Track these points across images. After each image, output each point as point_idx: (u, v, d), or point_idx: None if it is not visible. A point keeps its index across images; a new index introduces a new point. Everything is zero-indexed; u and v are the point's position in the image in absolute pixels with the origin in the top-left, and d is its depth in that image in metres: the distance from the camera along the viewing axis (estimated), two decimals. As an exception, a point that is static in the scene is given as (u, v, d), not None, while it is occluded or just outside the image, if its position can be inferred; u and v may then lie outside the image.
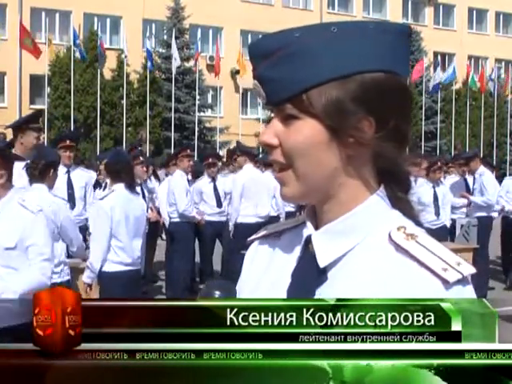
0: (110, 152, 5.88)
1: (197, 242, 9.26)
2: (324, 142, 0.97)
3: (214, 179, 9.53)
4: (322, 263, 1.01)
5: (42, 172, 4.63)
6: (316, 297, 1.00)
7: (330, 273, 1.01)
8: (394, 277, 0.96)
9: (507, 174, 28.32)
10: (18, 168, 5.33)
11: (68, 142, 6.41)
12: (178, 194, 8.47)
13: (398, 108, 1.00)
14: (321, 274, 1.02)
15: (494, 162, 24.83)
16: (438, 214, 8.55)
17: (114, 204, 4.90)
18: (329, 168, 0.99)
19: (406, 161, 1.06)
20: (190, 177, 9.88)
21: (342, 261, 1.01)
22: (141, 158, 8.63)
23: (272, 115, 1.05)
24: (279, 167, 1.02)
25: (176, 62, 25.68)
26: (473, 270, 0.95)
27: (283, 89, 0.98)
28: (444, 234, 8.46)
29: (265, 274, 1.11)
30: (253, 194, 8.19)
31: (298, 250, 1.07)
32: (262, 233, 1.19)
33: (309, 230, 1.05)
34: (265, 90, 1.00)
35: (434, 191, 8.67)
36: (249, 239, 1.21)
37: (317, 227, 1.05)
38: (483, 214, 9.16)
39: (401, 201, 1.06)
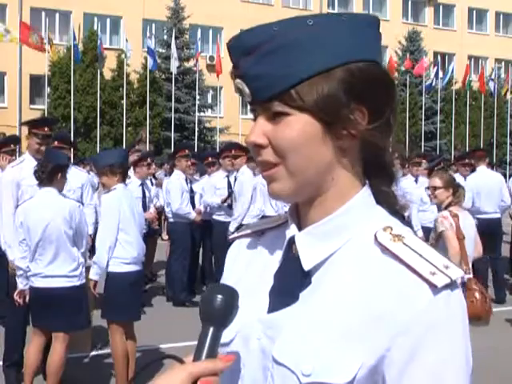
0: (113, 152, 5.74)
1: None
2: (318, 135, 0.94)
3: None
4: (306, 266, 0.98)
5: (49, 175, 4.61)
6: (299, 300, 0.97)
7: (314, 276, 0.98)
8: (381, 280, 0.92)
9: (507, 174, 28.32)
10: (30, 167, 5.35)
11: (56, 143, 6.09)
12: (172, 193, 8.47)
13: (386, 97, 0.98)
14: (304, 277, 0.98)
15: (494, 162, 24.81)
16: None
17: (121, 197, 4.90)
18: (323, 162, 0.96)
19: (393, 152, 1.03)
20: (198, 176, 9.88)
21: (327, 263, 0.97)
22: (148, 160, 8.68)
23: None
24: (268, 166, 0.97)
25: (176, 62, 25.64)
26: (461, 273, 0.91)
27: (271, 85, 0.93)
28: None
29: (245, 275, 1.08)
30: (259, 194, 8.20)
31: (280, 251, 1.04)
32: (244, 231, 1.15)
33: (291, 230, 1.01)
34: (250, 87, 0.95)
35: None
36: (230, 237, 1.18)
37: (300, 226, 1.01)
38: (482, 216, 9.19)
39: (385, 195, 1.03)
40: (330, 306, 0.94)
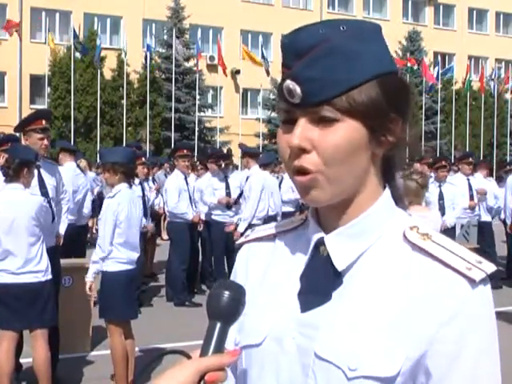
0: (117, 150, 5.67)
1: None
2: (363, 142, 0.96)
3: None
4: (339, 266, 0.99)
5: (15, 171, 4.57)
6: (333, 299, 0.98)
7: (345, 276, 0.99)
8: (415, 277, 0.94)
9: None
10: None
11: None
12: (169, 192, 8.46)
13: (410, 107, 1.01)
14: (336, 277, 0.99)
15: (494, 162, 24.83)
16: (442, 213, 8.41)
17: (121, 202, 4.93)
18: (361, 169, 0.98)
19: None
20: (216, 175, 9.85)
21: (357, 263, 0.99)
22: (143, 159, 8.69)
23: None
24: (304, 172, 0.96)
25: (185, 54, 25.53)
26: (494, 268, 0.94)
27: (323, 89, 0.93)
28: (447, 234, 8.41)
29: (264, 279, 1.08)
30: (264, 196, 8.21)
31: (302, 253, 1.04)
32: (253, 236, 1.16)
33: (318, 232, 1.02)
34: (302, 89, 0.94)
35: (440, 190, 8.62)
36: (238, 242, 1.18)
37: (323, 228, 1.02)
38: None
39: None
40: (366, 303, 0.95)
